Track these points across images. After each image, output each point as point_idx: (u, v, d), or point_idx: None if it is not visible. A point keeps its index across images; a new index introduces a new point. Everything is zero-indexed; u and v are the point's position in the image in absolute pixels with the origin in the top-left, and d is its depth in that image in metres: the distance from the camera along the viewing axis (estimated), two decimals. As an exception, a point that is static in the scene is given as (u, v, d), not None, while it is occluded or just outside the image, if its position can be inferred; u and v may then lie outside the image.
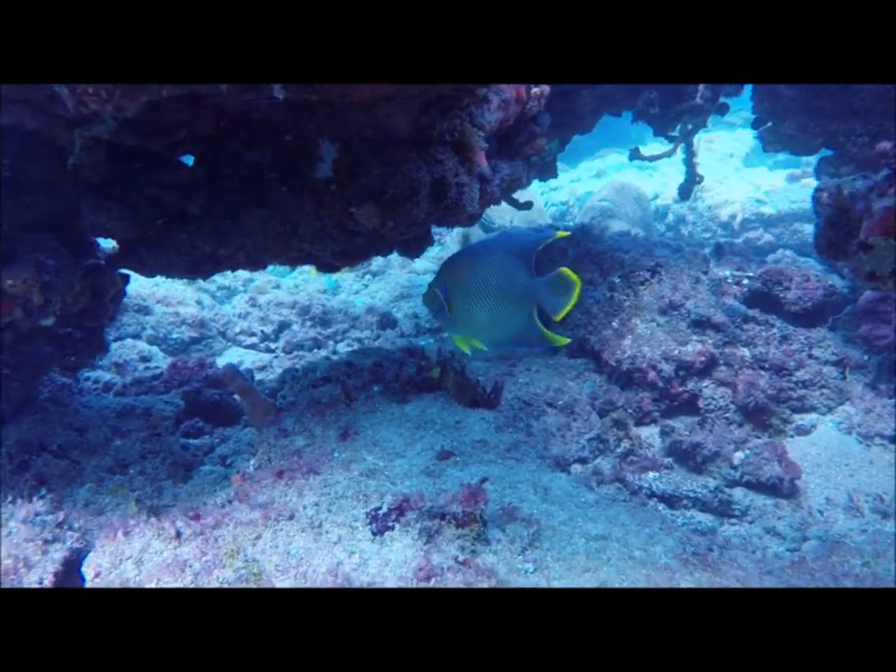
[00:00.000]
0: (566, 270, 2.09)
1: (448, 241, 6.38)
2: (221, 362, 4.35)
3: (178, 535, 1.55)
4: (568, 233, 2.67)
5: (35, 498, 1.84)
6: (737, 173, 7.36)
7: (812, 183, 6.52)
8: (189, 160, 2.40)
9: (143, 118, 1.83)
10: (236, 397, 3.05)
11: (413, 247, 2.70)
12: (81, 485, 2.40)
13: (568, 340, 2.31)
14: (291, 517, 1.56)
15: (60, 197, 2.17)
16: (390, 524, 1.51)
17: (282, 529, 1.53)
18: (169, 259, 2.34)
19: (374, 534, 1.49)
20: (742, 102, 4.74)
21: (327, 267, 2.51)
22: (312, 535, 1.49)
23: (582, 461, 2.91)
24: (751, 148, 8.14)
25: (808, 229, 5.98)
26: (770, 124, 3.27)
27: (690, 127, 3.44)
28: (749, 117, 8.88)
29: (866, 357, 3.47)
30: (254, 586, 1.35)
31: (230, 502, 2.11)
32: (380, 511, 1.53)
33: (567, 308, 2.10)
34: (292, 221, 2.27)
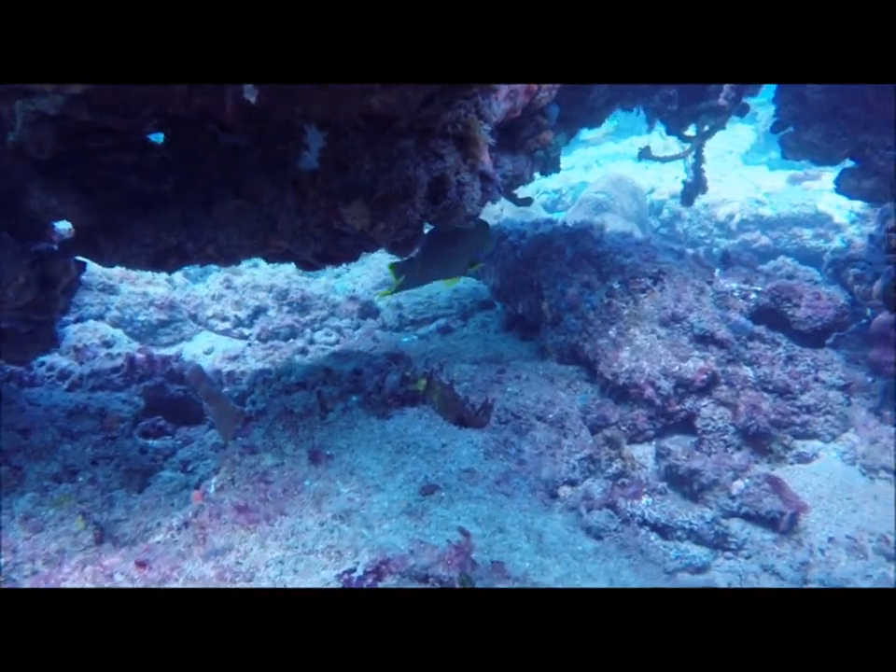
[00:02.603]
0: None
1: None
2: (192, 347, 4.11)
3: (118, 591, 1.33)
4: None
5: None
6: (736, 170, 7.16)
7: (813, 186, 6.35)
8: (159, 138, 2.15)
9: (100, 92, 1.58)
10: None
11: (403, 247, 2.47)
12: (22, 495, 2.16)
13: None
14: (250, 579, 1.34)
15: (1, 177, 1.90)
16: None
17: (239, 592, 1.31)
18: (130, 250, 2.08)
19: (347, 603, 1.28)
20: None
21: (306, 266, 2.27)
22: (274, 603, 1.27)
23: (572, 483, 2.72)
24: (751, 145, 7.94)
25: (808, 234, 5.83)
26: (792, 129, 3.06)
27: (707, 128, 3.20)
28: (751, 112, 8.68)
29: (870, 379, 3.31)
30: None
31: (185, 525, 1.90)
32: (354, 574, 1.32)
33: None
34: (271, 215, 2.02)
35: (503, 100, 2.31)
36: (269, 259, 2.29)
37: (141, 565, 1.45)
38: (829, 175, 6.57)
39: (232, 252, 2.09)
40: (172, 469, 2.66)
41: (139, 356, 2.94)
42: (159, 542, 1.94)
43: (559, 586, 1.56)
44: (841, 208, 5.80)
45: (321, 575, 1.34)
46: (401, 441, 2.13)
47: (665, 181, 6.85)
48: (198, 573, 1.39)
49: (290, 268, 5.41)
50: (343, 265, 5.58)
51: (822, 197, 5.94)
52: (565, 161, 8.53)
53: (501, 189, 2.38)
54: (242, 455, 2.14)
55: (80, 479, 2.31)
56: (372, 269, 5.49)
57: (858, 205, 5.73)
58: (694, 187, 3.63)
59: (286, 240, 2.03)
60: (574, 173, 7.77)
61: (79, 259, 2.25)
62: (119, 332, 3.74)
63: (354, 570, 1.32)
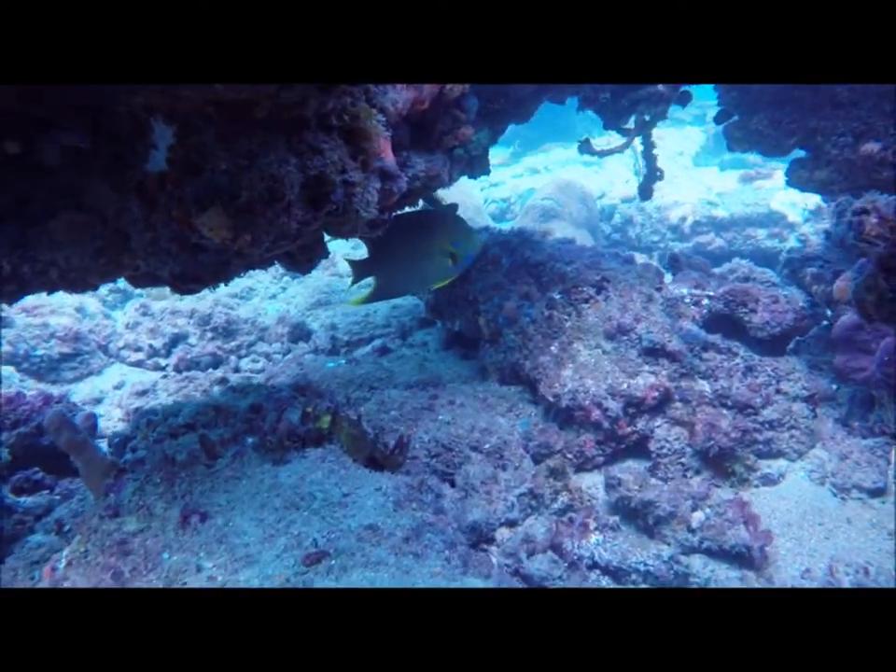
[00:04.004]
0: None
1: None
2: (100, 382, 3.72)
3: None
4: None
5: None
6: (687, 172, 6.95)
7: (766, 185, 6.15)
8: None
9: None
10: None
11: (301, 260, 2.13)
12: None
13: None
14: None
15: None
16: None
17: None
18: (-48, 277, 1.72)
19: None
20: (697, 94, 4.29)
21: (176, 290, 1.91)
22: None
23: (511, 524, 2.39)
24: (701, 147, 7.77)
25: (762, 234, 5.61)
26: (736, 118, 2.79)
27: (647, 118, 2.92)
28: (699, 113, 8.53)
29: (835, 387, 3.05)
30: None
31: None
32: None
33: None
34: (121, 230, 1.68)
35: (405, 89, 2.00)
36: (133, 283, 1.93)
37: None
38: (781, 172, 6.40)
39: (79, 276, 1.74)
40: (44, 532, 2.27)
41: (10, 395, 2.55)
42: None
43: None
44: (795, 206, 5.60)
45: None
46: (294, 492, 1.78)
47: (616, 185, 6.62)
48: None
49: (221, 291, 5.05)
50: (280, 287, 5.24)
51: (775, 196, 5.74)
52: (513, 169, 8.28)
53: (406, 189, 2.06)
54: (101, 519, 1.77)
55: (-84, 554, 1.93)
56: (309, 287, 5.15)
57: (811, 203, 5.55)
58: (649, 179, 3.34)
59: (140, 258, 1.68)
60: (522, 180, 7.51)
61: None
62: (9, 370, 3.34)
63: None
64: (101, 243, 1.66)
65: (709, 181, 6.39)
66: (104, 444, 2.75)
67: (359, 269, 2.99)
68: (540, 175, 7.67)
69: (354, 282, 3.02)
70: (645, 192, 3.45)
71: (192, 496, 1.82)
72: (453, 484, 2.41)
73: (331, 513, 1.72)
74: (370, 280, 3.05)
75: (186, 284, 1.75)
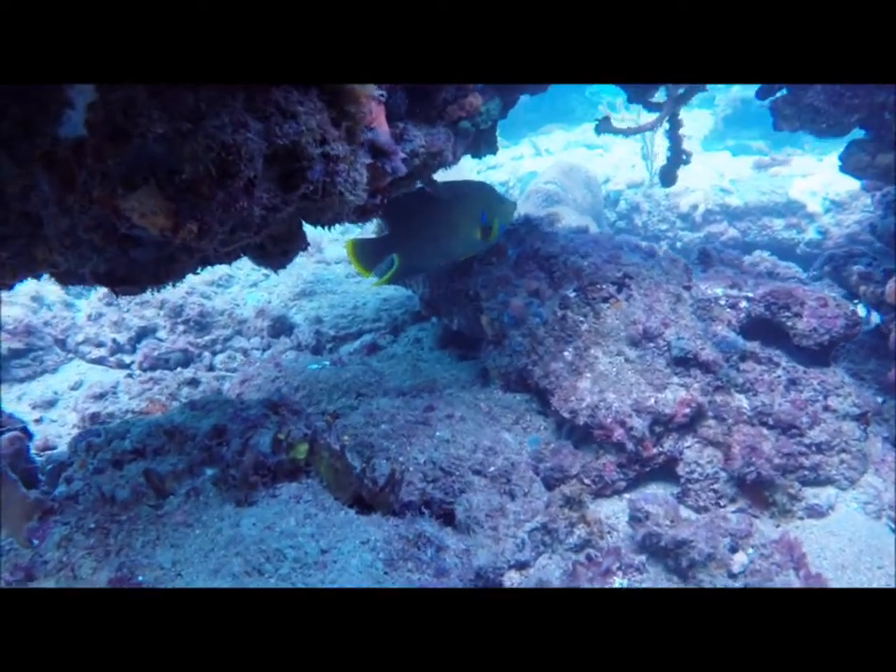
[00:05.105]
0: None
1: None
2: (55, 381, 3.33)
3: None
4: None
5: None
6: (697, 156, 6.56)
7: (783, 172, 5.78)
8: None
9: None
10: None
11: (274, 253, 1.75)
12: None
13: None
14: None
15: None
16: None
17: None
18: None
19: None
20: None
21: (113, 290, 1.53)
22: None
23: (521, 566, 2.04)
24: (710, 130, 7.39)
25: (778, 224, 5.26)
26: (785, 92, 2.40)
27: (682, 91, 2.53)
28: (708, 95, 8.14)
29: (881, 400, 2.71)
30: None
31: None
32: None
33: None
34: (29, 214, 1.29)
35: (403, 41, 1.61)
36: (59, 281, 1.54)
37: None
38: (798, 159, 6.03)
39: (-18, 272, 1.35)
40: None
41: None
42: None
43: None
44: (815, 195, 5.24)
45: None
46: (259, 549, 1.41)
47: (621, 170, 6.24)
48: None
49: (196, 278, 4.64)
50: (263, 274, 4.84)
51: (793, 183, 5.37)
52: (512, 151, 7.87)
53: (405, 168, 1.68)
54: (8, 585, 1.40)
55: None
56: (293, 275, 4.74)
57: (833, 192, 5.18)
58: (674, 163, 2.95)
59: (57, 252, 1.29)
60: (522, 163, 7.10)
61: None
62: (-53, 369, 2.95)
63: None
64: (4, 230, 1.28)
65: (721, 167, 6.00)
66: (46, 458, 2.37)
67: (376, 249, 2.67)
68: (541, 158, 7.26)
69: (373, 265, 2.67)
70: (668, 177, 3.06)
71: (131, 551, 1.45)
72: (453, 517, 2.05)
73: (305, 579, 1.35)
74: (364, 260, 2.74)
75: (118, 285, 1.36)
